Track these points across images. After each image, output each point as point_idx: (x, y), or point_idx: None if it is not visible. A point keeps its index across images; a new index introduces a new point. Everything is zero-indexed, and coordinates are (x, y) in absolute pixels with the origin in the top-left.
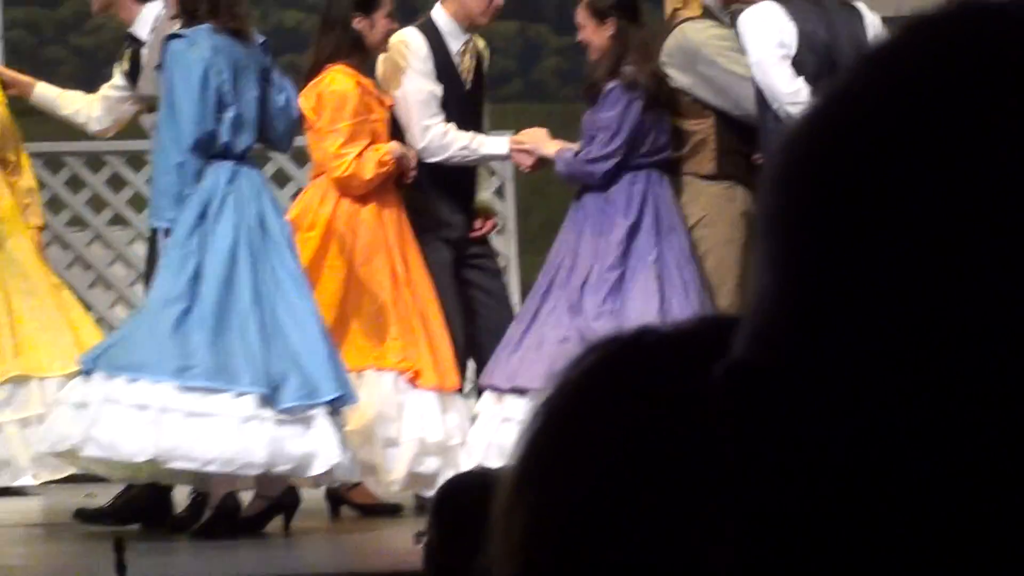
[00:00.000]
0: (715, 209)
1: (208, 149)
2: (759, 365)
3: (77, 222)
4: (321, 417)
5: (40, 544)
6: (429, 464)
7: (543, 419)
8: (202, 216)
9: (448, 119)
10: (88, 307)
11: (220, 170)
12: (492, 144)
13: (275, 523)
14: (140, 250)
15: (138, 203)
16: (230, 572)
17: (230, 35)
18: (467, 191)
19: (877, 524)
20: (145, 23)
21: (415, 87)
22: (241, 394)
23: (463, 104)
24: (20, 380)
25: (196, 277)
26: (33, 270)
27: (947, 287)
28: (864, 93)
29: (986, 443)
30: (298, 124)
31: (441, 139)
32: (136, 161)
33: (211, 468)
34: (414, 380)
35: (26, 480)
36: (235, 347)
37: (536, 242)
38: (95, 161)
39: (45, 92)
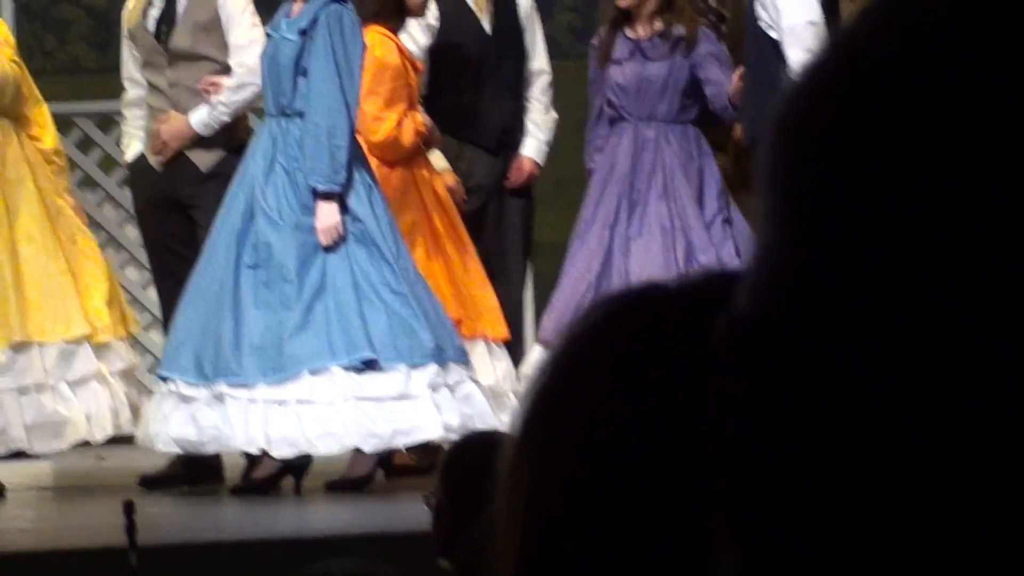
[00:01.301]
0: None
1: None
2: (759, 318)
3: (88, 182)
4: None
5: (50, 507)
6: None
7: (548, 376)
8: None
9: (465, 64)
10: None
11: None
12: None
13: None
14: (110, 212)
15: (107, 164)
16: (229, 534)
17: None
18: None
19: (871, 483)
20: None
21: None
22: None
23: (484, 45)
24: (21, 346)
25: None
26: (40, 232)
27: (955, 249)
28: (872, 43)
29: (986, 408)
30: None
31: None
32: (107, 123)
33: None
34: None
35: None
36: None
37: (548, 200)
38: (106, 121)
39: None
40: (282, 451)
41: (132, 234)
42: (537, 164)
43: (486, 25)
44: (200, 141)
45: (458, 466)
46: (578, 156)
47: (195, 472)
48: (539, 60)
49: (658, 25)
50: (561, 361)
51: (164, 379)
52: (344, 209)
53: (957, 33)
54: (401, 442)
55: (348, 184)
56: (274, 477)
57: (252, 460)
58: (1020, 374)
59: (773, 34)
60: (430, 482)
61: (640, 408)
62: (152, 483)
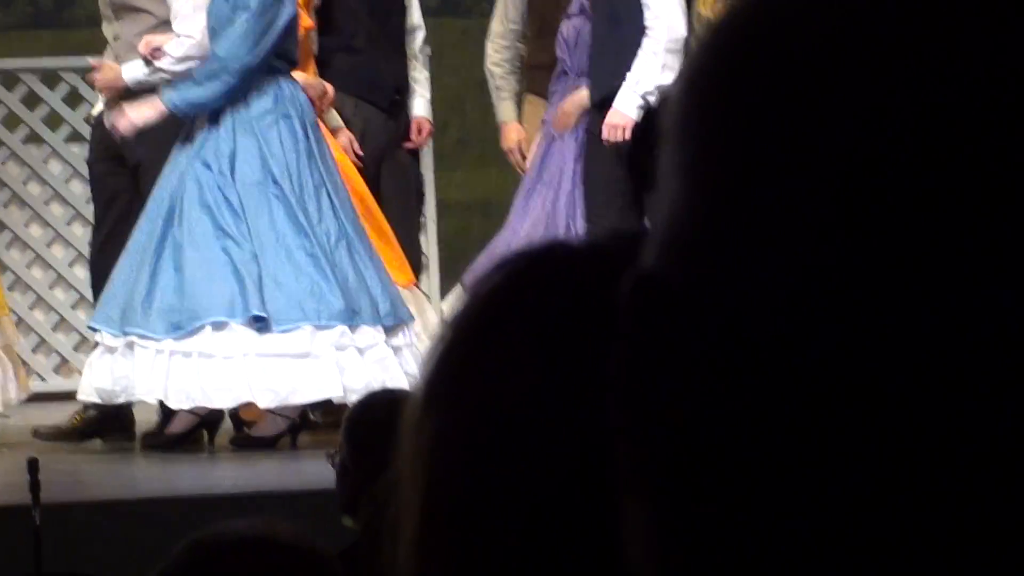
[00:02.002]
0: None
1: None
2: (665, 275)
3: (34, 138)
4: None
5: None
6: None
7: (451, 336)
8: (298, 147)
9: (356, 22)
10: (45, 223)
11: (298, 88)
12: None
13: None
14: (55, 168)
15: (53, 121)
16: (135, 492)
17: None
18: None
19: (778, 441)
20: None
21: None
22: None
23: (374, 8)
24: None
25: (337, 211)
26: None
27: (859, 206)
28: None
29: (894, 375)
30: None
31: None
32: (51, 79)
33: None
34: None
35: None
36: (385, 280)
37: (451, 158)
38: (10, 79)
39: None
40: (180, 402)
41: (78, 190)
42: (430, 122)
43: None
44: (137, 95)
45: (361, 424)
46: (481, 115)
47: (98, 428)
48: (415, 16)
49: None
50: (466, 319)
51: (93, 329)
52: (268, 171)
53: None
54: (297, 400)
55: (271, 146)
56: (187, 433)
57: (166, 415)
58: (919, 332)
59: None
60: (336, 440)
61: (544, 366)
62: (47, 436)
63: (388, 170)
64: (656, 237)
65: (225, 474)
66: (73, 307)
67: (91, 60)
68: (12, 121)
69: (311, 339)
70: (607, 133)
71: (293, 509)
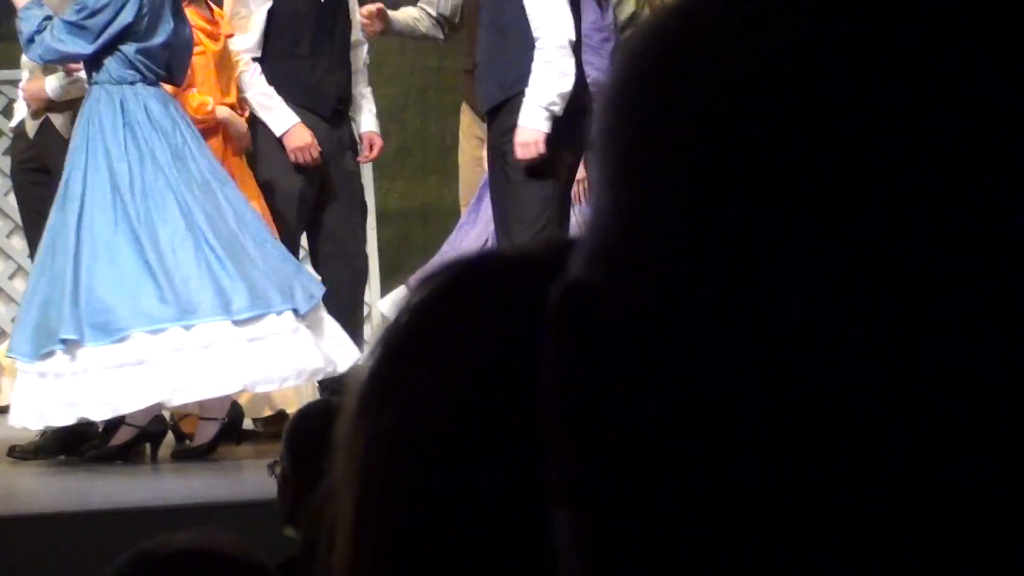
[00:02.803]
0: None
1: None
2: (593, 284)
3: None
4: (326, 318)
5: None
6: None
7: (383, 345)
8: (159, 145)
9: (301, 30)
10: None
11: (153, 96)
12: (278, 116)
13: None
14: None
15: None
16: (76, 504)
17: None
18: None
19: (707, 451)
20: None
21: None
22: (280, 312)
23: (318, 12)
24: None
25: (188, 212)
26: None
27: (787, 217)
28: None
29: (824, 391)
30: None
31: (249, 76)
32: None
33: (291, 383)
34: None
35: None
36: (252, 270)
37: (391, 167)
38: None
39: None
40: (56, 419)
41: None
42: (379, 136)
43: None
44: (63, 108)
45: (300, 434)
46: (420, 123)
47: (68, 441)
48: (358, 31)
49: None
50: (398, 328)
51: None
52: (113, 181)
53: None
54: (127, 408)
55: (114, 156)
56: (128, 445)
57: (108, 428)
58: (845, 347)
59: None
60: (277, 450)
61: (474, 373)
62: (24, 454)
63: (334, 179)
64: (585, 245)
65: (166, 486)
66: (13, 320)
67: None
68: None
69: (145, 345)
70: (520, 153)
71: (235, 520)
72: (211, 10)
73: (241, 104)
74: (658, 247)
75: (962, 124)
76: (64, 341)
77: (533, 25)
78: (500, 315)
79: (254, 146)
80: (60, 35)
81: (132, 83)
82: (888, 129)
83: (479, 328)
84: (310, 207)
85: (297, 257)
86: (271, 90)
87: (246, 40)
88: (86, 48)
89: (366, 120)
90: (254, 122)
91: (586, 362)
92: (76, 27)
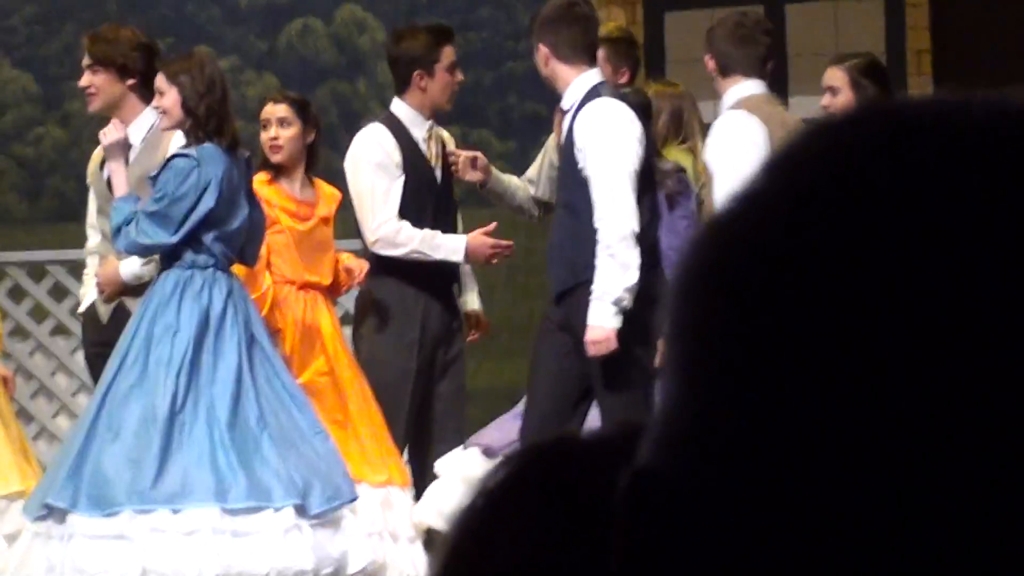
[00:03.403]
0: None
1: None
2: (660, 471)
3: (19, 332)
4: (348, 517)
5: None
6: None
7: (456, 533)
8: (204, 330)
9: (422, 209)
10: (30, 417)
11: (219, 282)
12: (449, 245)
13: None
14: (40, 362)
15: (38, 314)
16: None
17: (229, 152)
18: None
19: None
20: (140, 129)
21: (369, 181)
22: (279, 508)
23: (435, 193)
24: None
25: (196, 395)
26: None
27: (848, 411)
28: (766, 199)
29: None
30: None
31: (395, 236)
32: (78, 270)
33: None
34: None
35: None
36: (259, 464)
37: (481, 347)
38: (37, 271)
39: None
40: None
41: (63, 383)
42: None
43: (438, 175)
44: (137, 290)
45: None
46: (510, 304)
47: None
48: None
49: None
50: (467, 519)
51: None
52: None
53: (849, 191)
54: None
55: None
56: None
57: None
58: (895, 527)
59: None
60: None
61: (546, 562)
62: None
63: (443, 359)
64: (653, 432)
65: None
66: None
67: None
68: (39, 313)
69: (129, 522)
70: (592, 351)
71: None
72: (314, 189)
73: (338, 281)
74: (722, 438)
75: None
76: (55, 507)
77: (596, 214)
78: (572, 501)
79: (364, 324)
80: (143, 227)
81: (205, 268)
82: (935, 344)
83: (551, 515)
84: (421, 387)
85: (403, 439)
86: (426, 231)
87: (388, 210)
88: (168, 239)
89: (471, 299)
90: (365, 301)
91: (652, 547)
92: (158, 216)
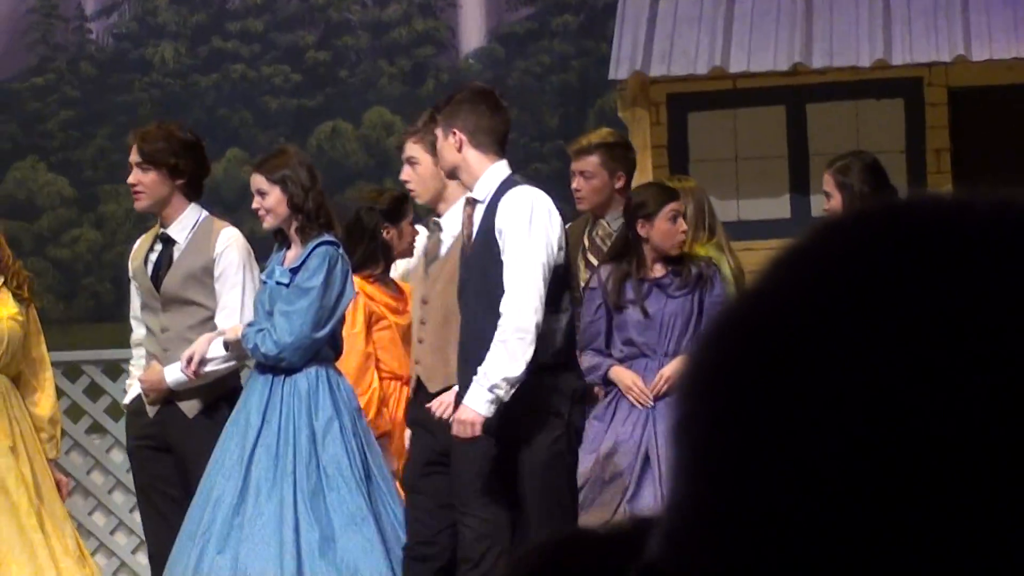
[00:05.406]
0: None
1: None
2: (667, 566)
3: None
4: None
5: None
6: None
7: None
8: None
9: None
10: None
11: (338, 374)
12: None
13: None
14: (118, 457)
15: (115, 411)
16: None
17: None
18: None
19: None
20: (184, 228)
21: None
22: None
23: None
24: None
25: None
26: (14, 490)
27: (849, 510)
28: (770, 297)
29: None
30: None
31: None
32: (113, 370)
33: None
34: None
35: None
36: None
37: None
38: (73, 370)
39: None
40: None
41: (99, 480)
42: None
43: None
44: (186, 396)
45: None
46: None
47: None
48: None
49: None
50: None
51: None
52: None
53: (851, 288)
54: None
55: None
56: None
57: None
58: None
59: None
60: None
61: None
62: None
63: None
64: (660, 527)
65: None
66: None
67: (134, 372)
68: (75, 412)
69: None
70: (457, 429)
71: None
72: (398, 288)
73: None
74: (725, 534)
75: None
76: None
77: (503, 299)
78: None
79: None
80: (287, 327)
81: (327, 360)
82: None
83: None
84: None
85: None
86: None
87: None
88: (318, 334)
89: None
90: None
91: None
92: (309, 312)
